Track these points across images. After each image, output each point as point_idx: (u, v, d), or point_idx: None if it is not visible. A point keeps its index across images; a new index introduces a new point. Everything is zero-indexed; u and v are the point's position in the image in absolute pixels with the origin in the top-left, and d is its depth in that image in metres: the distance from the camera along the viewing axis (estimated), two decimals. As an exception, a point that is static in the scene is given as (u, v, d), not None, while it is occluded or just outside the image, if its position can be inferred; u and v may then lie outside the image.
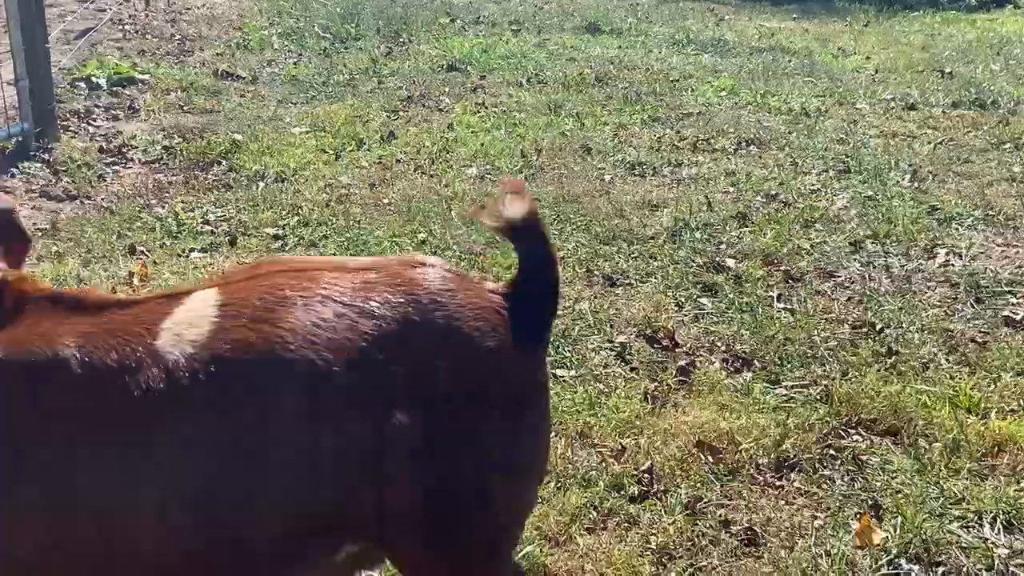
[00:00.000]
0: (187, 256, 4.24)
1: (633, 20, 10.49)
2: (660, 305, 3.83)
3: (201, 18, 10.10)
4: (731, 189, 5.24)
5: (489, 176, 5.37)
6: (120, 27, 9.59)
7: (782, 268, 4.20)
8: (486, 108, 6.91)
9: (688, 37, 9.70)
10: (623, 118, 6.73)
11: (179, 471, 1.63)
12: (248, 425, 1.65)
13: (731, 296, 3.93)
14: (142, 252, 4.25)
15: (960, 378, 3.36)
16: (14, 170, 5.25)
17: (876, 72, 8.42)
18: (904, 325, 3.74)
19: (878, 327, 3.68)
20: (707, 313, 3.81)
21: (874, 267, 4.28)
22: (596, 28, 10.01)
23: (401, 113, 6.69)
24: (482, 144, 5.90)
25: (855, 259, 4.35)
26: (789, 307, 3.87)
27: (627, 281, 4.07)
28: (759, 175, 5.48)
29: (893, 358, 3.48)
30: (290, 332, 1.65)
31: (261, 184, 5.15)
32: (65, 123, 6.24)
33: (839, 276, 4.18)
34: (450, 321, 1.72)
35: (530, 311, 1.78)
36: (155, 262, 4.14)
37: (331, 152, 5.78)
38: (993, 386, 3.32)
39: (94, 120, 6.44)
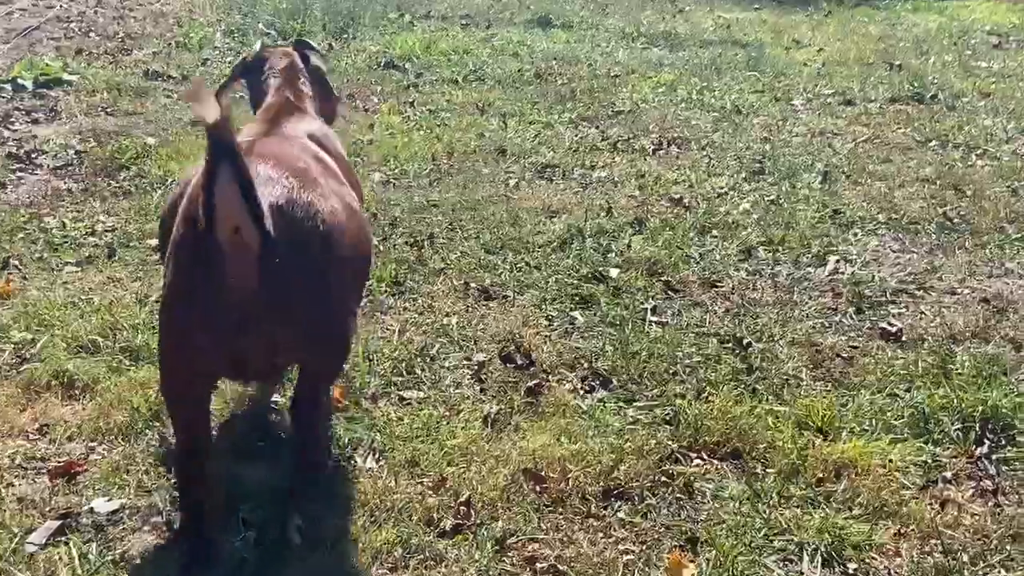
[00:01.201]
0: (60, 270, 4.15)
1: (586, 13, 10.37)
2: (529, 320, 3.75)
3: (149, 15, 10.01)
4: (637, 193, 5.15)
5: (394, 182, 5.28)
6: (65, 25, 9.50)
7: (664, 278, 4.11)
8: (413, 108, 6.82)
9: (639, 30, 9.59)
10: (551, 117, 6.64)
11: None
12: None
13: (605, 309, 3.85)
14: (15, 266, 4.16)
15: (816, 396, 3.27)
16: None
17: (823, 65, 8.31)
18: (774, 339, 3.65)
19: (745, 341, 3.60)
20: (577, 328, 3.73)
21: (760, 276, 4.19)
22: (547, 22, 9.91)
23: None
24: (396, 147, 5.81)
25: (743, 267, 4.26)
26: (662, 320, 3.79)
27: (504, 294, 3.99)
28: (668, 177, 5.39)
29: (753, 375, 3.40)
30: None
31: (160, 191, 5.06)
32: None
33: (722, 286, 4.09)
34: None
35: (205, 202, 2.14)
36: (25, 278, 4.06)
37: (242, 156, 5.68)
38: (850, 404, 3.23)
39: (11, 124, 6.35)
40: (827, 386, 3.37)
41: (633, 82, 7.69)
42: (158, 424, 3.04)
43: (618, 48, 8.94)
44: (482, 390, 3.31)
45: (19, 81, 7.12)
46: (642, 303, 3.91)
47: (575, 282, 4.08)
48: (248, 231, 2.15)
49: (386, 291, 3.96)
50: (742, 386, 3.33)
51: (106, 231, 4.61)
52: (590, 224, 4.64)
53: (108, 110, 6.65)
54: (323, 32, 9.19)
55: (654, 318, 3.80)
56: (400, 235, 4.51)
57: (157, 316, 2.79)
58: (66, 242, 4.47)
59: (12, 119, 6.44)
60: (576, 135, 6.24)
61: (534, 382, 3.31)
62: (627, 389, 3.35)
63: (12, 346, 3.46)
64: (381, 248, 4.35)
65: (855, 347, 3.62)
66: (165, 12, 10.20)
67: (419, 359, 3.46)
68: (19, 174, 5.45)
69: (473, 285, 4.03)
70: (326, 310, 2.47)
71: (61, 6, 10.50)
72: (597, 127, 6.45)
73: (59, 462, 2.88)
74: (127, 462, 2.86)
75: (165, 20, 9.70)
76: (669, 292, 4.02)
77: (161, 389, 2.59)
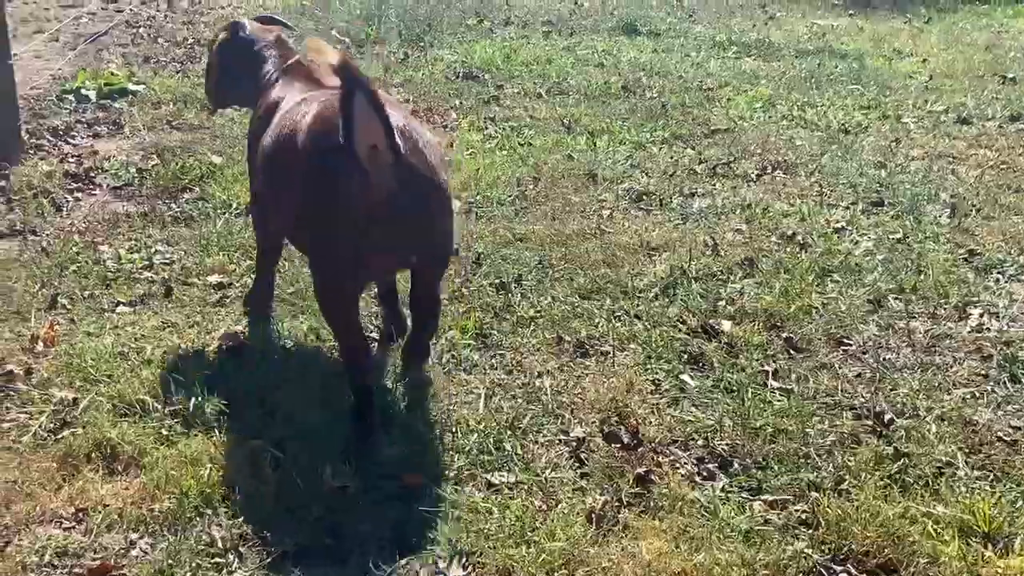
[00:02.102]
0: (111, 311, 3.78)
1: (674, 20, 9.84)
2: (633, 384, 3.27)
3: (219, 20, 9.71)
4: (744, 227, 4.63)
5: (476, 211, 4.83)
6: (133, 30, 9.26)
7: (785, 333, 3.61)
8: (495, 124, 6.38)
9: (730, 38, 9.03)
10: (642, 135, 6.15)
11: None
12: None
13: (719, 371, 3.36)
14: (63, 306, 3.81)
15: (980, 492, 2.75)
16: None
17: (930, 78, 7.68)
18: (919, 414, 3.12)
19: (887, 417, 3.08)
20: (688, 395, 3.24)
21: (894, 331, 3.66)
22: (632, 29, 9.39)
23: (398, 131, 6.17)
24: (477, 170, 5.37)
25: (873, 321, 3.73)
26: (786, 387, 3.28)
27: (602, 348, 3.52)
28: (778, 209, 4.86)
29: (900, 462, 2.88)
30: None
31: (223, 218, 4.68)
32: (39, 142, 5.88)
33: (851, 344, 3.57)
34: None
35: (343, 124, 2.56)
36: (73, 320, 3.69)
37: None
38: (1021, 503, 2.70)
39: (72, 138, 6.06)
40: (990, 478, 2.84)
41: (727, 96, 7.16)
42: (209, 511, 2.63)
43: (709, 58, 8.40)
44: (583, 474, 2.84)
45: (83, 91, 6.84)
46: (761, 364, 3.41)
47: (683, 336, 3.59)
48: (385, 149, 2.58)
49: (470, 345, 3.51)
50: (888, 477, 2.81)
51: (164, 264, 4.24)
52: (695, 265, 4.14)
53: (174, 123, 6.32)
54: (399, 39, 8.81)
55: (776, 384, 3.29)
56: (485, 276, 4.06)
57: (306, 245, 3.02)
58: (120, 277, 4.11)
59: (74, 133, 6.15)
60: (671, 157, 5.73)
61: (643, 468, 2.83)
62: (751, 475, 2.86)
63: (51, 408, 3.08)
64: (464, 292, 3.91)
65: (1017, 427, 3.08)
66: (235, 17, 9.90)
67: (509, 432, 3.01)
68: (77, 195, 5.13)
69: (567, 338, 3.57)
70: (441, 214, 2.89)
71: (131, 10, 10.28)
72: (693, 148, 5.94)
73: (95, 558, 2.48)
74: (172, 564, 2.44)
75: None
76: (791, 351, 3.51)
77: (323, 301, 2.96)
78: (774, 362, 3.43)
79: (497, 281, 4.00)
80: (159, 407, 3.08)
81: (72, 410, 3.09)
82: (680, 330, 3.63)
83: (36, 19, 9.59)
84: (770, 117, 6.61)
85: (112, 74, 7.19)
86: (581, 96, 7.11)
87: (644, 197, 5.02)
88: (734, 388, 3.26)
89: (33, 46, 8.34)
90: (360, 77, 2.55)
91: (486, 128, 6.29)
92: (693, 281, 4.00)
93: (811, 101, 6.97)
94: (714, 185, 5.25)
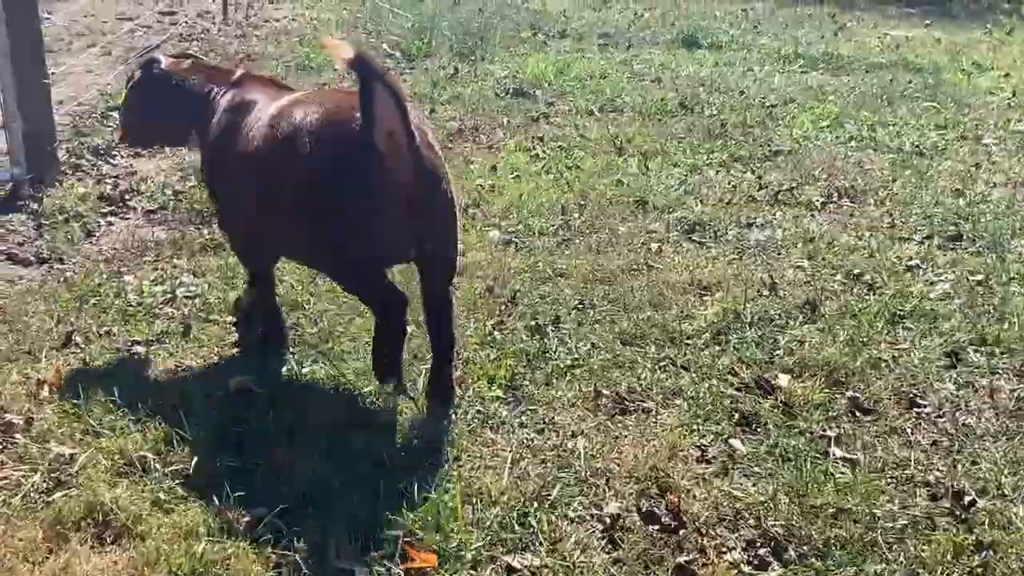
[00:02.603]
0: (127, 351, 3.57)
1: (737, 31, 9.45)
2: (677, 449, 2.95)
3: (272, 33, 9.58)
4: (806, 263, 4.28)
5: (516, 242, 4.54)
6: (186, 44, 9.14)
7: (849, 391, 3.26)
8: (543, 144, 6.08)
9: (796, 51, 8.63)
10: (698, 158, 5.81)
11: None
12: None
13: (775, 435, 3.02)
14: (77, 344, 3.60)
15: (1079, 598, 2.38)
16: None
17: (1013, 95, 7.22)
18: (1005, 494, 2.76)
19: (967, 498, 2.72)
20: (738, 464, 2.92)
21: (974, 390, 3.29)
22: (693, 42, 9.04)
23: (443, 152, 5.90)
24: (521, 195, 5.08)
25: (950, 377, 3.36)
26: (850, 456, 2.94)
27: (644, 405, 3.21)
28: (845, 243, 4.49)
29: (983, 554, 2.52)
30: None
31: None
32: (79, 162, 5.72)
33: (925, 405, 3.21)
34: None
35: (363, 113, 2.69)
36: (85, 361, 3.48)
37: (348, 203, 5.05)
38: None
39: (112, 158, 5.90)
40: (1090, 577, 2.47)
41: (792, 114, 6.78)
42: (199, 597, 2.38)
43: (773, 72, 8.01)
44: (616, 560, 2.53)
45: (126, 108, 6.69)
46: (822, 428, 3.06)
47: (734, 392, 3.26)
48: (400, 135, 2.69)
49: (499, 399, 3.22)
50: (969, 572, 2.46)
51: (187, 298, 4.02)
52: (750, 307, 3.81)
53: (214, 142, 6.13)
54: (450, 53, 8.56)
55: (839, 452, 2.95)
56: (520, 317, 3.77)
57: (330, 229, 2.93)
58: (140, 312, 3.90)
59: (115, 152, 5.98)
60: (728, 181, 5.39)
61: (685, 556, 2.51)
62: (809, 565, 2.52)
63: (46, 464, 2.86)
64: (496, 335, 3.62)
65: (1119, 512, 2.70)
66: (289, 30, 9.76)
67: (535, 505, 2.71)
68: (110, 219, 4.96)
69: (606, 392, 3.26)
70: (448, 205, 2.99)
71: (185, 22, 10.19)
72: (753, 171, 5.58)
73: (69, 651, 2.24)
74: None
75: (288, 39, 9.24)
76: (857, 412, 3.16)
77: (357, 285, 3.10)
78: (837, 426, 3.08)
79: (533, 323, 3.71)
80: (159, 466, 2.84)
81: (69, 467, 2.87)
82: (731, 384, 3.31)
83: (91, 32, 9.54)
84: (837, 137, 6.22)
85: (156, 90, 7.04)
86: (635, 114, 6.79)
87: (697, 227, 4.69)
88: (791, 456, 2.93)
89: (84, 60, 8.26)
90: (377, 67, 2.68)
91: (533, 149, 6.01)
92: (748, 326, 3.67)
93: (882, 120, 6.56)
94: (775, 214, 4.90)
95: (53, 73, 6.13)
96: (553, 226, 4.70)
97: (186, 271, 4.29)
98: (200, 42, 9.26)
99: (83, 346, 3.61)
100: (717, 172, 5.57)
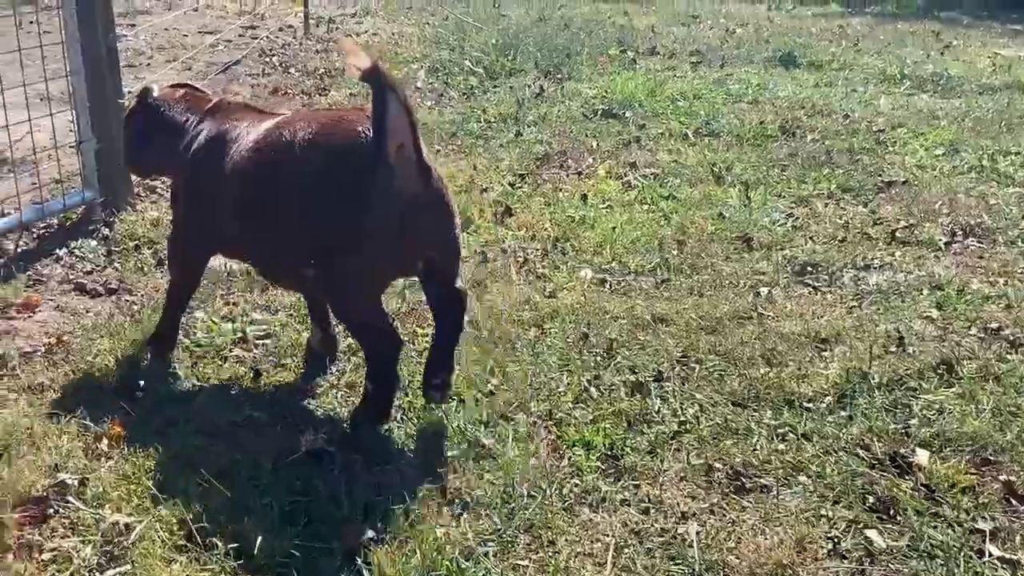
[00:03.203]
0: (192, 400, 3.30)
1: (837, 50, 8.98)
2: (804, 541, 2.57)
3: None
4: (935, 314, 3.85)
5: (610, 281, 4.19)
6: (267, 59, 9.00)
7: (1002, 474, 2.84)
8: (635, 170, 5.73)
9: (902, 71, 8.13)
10: (804, 188, 5.40)
11: None
12: None
13: (917, 526, 2.62)
14: (141, 389, 3.34)
15: None
16: (62, 250, 4.52)
17: None
18: None
19: None
20: (877, 562, 2.52)
21: None
22: (791, 60, 8.61)
23: (529, 178, 5.61)
24: (614, 228, 4.73)
25: (1118, 459, 2.92)
26: (1008, 555, 2.52)
27: (762, 482, 2.83)
28: (977, 290, 4.05)
29: None
30: None
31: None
32: (153, 184, 5.53)
33: (1092, 493, 2.78)
34: None
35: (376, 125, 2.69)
36: (149, 411, 3.22)
37: (430, 234, 4.76)
38: None
39: (187, 180, 5.69)
40: None
41: (902, 140, 6.32)
42: None
43: (878, 94, 7.55)
44: None
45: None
46: (972, 519, 2.66)
47: (866, 470, 2.86)
48: (409, 147, 2.71)
49: (597, 470, 2.87)
50: None
51: (258, 338, 3.75)
52: (877, 365, 3.40)
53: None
54: (535, 70, 8.26)
55: (995, 550, 2.54)
56: (617, 370, 3.42)
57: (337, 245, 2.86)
58: (209, 353, 3.63)
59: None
60: (839, 215, 4.97)
61: None
62: None
63: (100, 536, 2.59)
64: (592, 392, 3.27)
65: None
66: (370, 45, 9.56)
67: (641, 606, 2.36)
68: (182, 247, 4.72)
69: (719, 465, 2.89)
70: (452, 214, 2.99)
71: (267, 37, 10.07)
72: (865, 204, 5.16)
73: None
74: None
75: (369, 54, 9.01)
76: (1012, 499, 2.74)
77: (354, 308, 2.98)
78: (990, 516, 2.67)
79: (632, 379, 3.35)
80: (220, 543, 2.55)
81: (124, 539, 2.59)
82: (862, 460, 2.91)
83: (172, 46, 9.46)
84: (955, 167, 5.75)
85: (235, 108, 6.86)
86: (733, 138, 6.40)
87: (809, 269, 4.29)
88: (938, 554, 2.52)
89: (164, 75, 8.15)
90: (391, 79, 2.67)
91: (625, 176, 5.66)
92: (876, 389, 3.26)
93: (1003, 148, 6.07)
94: (893, 254, 4.47)
95: (129, 92, 5.97)
96: (650, 264, 4.34)
97: (258, 306, 4.03)
98: (280, 57, 9.11)
99: (147, 391, 3.35)
100: (825, 205, 5.15)
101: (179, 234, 3.53)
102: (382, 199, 2.74)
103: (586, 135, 6.44)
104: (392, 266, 2.98)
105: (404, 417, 3.15)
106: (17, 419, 3.11)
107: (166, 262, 3.86)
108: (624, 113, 6.93)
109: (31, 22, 6.23)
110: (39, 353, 3.66)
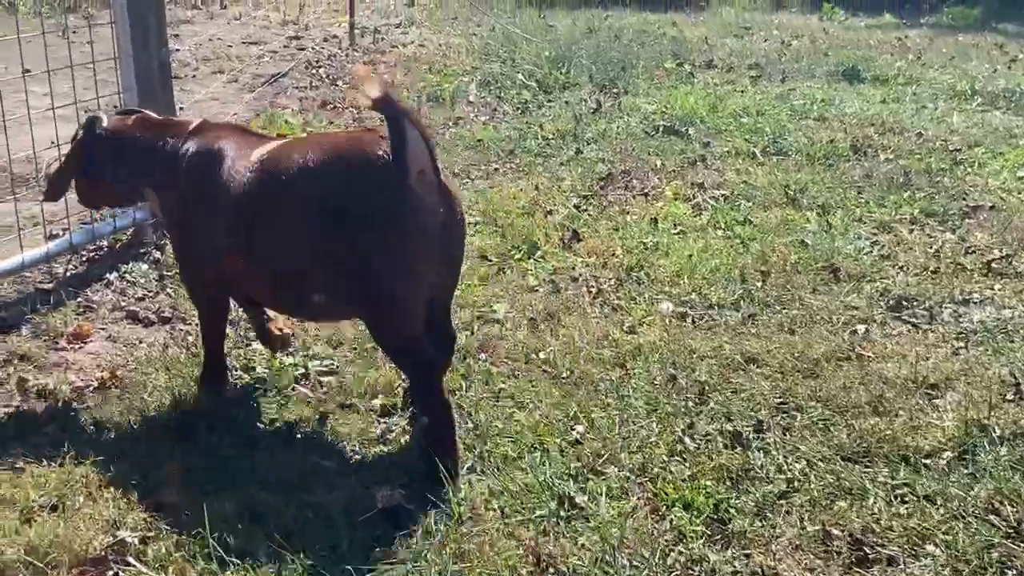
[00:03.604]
0: (255, 446, 3.08)
1: (902, 64, 8.67)
2: (942, 626, 2.30)
3: (401, 60, 9.19)
4: (1050, 356, 3.57)
5: (691, 315, 3.94)
6: (314, 71, 8.82)
7: None
8: (704, 192, 5.47)
9: (973, 87, 7.81)
10: (885, 212, 5.12)
11: None
12: None
13: (1068, 609, 2.35)
14: (199, 437, 3.12)
15: None
16: (112, 275, 4.33)
17: None
18: None
19: None
20: (1027, 649, 2.25)
21: None
22: (855, 75, 8.31)
23: (594, 199, 5.36)
24: (690, 256, 4.48)
25: None
26: None
27: (886, 551, 2.56)
28: (1093, 330, 3.76)
29: None
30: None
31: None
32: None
33: None
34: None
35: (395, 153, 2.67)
36: (209, 456, 3.00)
37: (495, 260, 4.53)
38: None
39: (238, 199, 5.49)
40: None
41: (981, 161, 6.02)
42: None
43: (950, 111, 7.24)
44: None
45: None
46: None
47: (1001, 540, 2.59)
48: (429, 172, 2.74)
49: (702, 535, 2.61)
50: None
51: (321, 374, 3.53)
52: (996, 416, 3.12)
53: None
54: (590, 84, 8.02)
55: None
56: (711, 417, 3.16)
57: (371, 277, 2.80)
58: (270, 392, 3.42)
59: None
60: (927, 244, 4.69)
61: None
62: None
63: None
64: (687, 442, 3.02)
65: None
66: (419, 57, 9.37)
67: None
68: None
69: (836, 532, 2.62)
70: (464, 239, 3.04)
71: (312, 48, 9.90)
72: (953, 231, 4.87)
73: None
74: None
75: (417, 66, 8.83)
76: None
77: (395, 336, 2.91)
78: None
79: (729, 428, 3.09)
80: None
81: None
82: (995, 527, 2.63)
83: (218, 57, 9.31)
84: (1043, 190, 5.45)
85: (286, 122, 6.68)
86: (803, 158, 6.12)
87: (904, 303, 4.01)
88: (1097, 643, 2.25)
89: (212, 88, 7.99)
90: (403, 106, 2.69)
91: (694, 198, 5.40)
92: (999, 443, 2.98)
93: (1092, 170, 5.76)
94: (992, 287, 4.18)
95: (181, 108, 5.80)
96: (732, 296, 4.08)
97: (320, 339, 3.81)
98: (327, 68, 8.93)
99: (207, 436, 3.13)
100: (910, 231, 4.87)
101: (185, 266, 3.36)
102: (415, 221, 2.73)
103: (649, 153, 6.19)
104: (424, 290, 2.90)
105: (483, 468, 2.91)
106: (71, 468, 2.90)
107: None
108: (686, 130, 6.67)
109: (73, 31, 6.05)
110: (91, 388, 3.47)
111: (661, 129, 6.69)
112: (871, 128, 6.74)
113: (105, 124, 3.38)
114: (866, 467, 2.90)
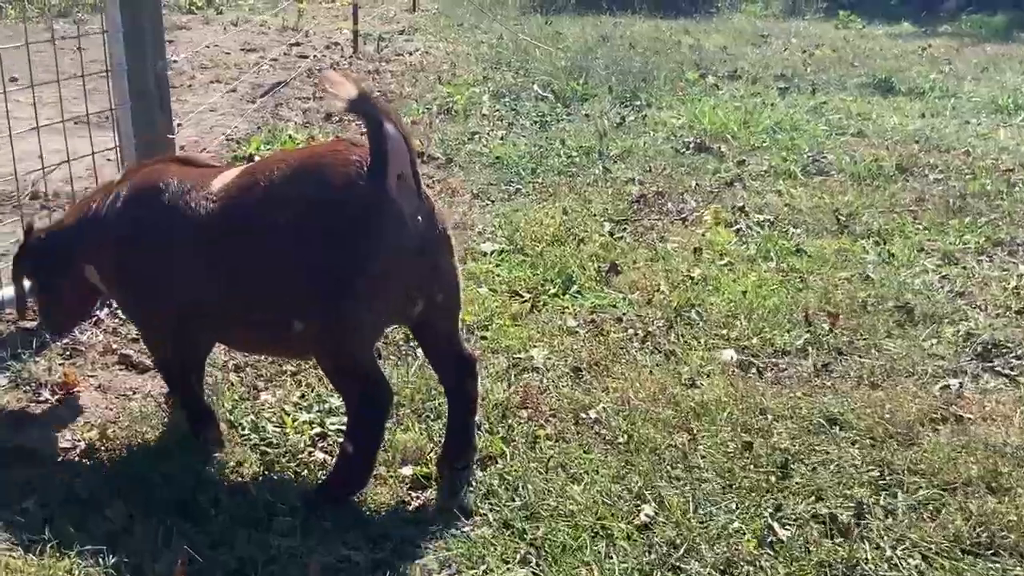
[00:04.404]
0: (267, 529, 2.63)
1: (937, 76, 8.26)
2: None
3: (408, 69, 8.75)
4: None
5: (755, 363, 3.50)
6: (315, 81, 8.36)
7: None
8: (746, 216, 5.04)
9: (1016, 101, 7.40)
10: (947, 240, 4.70)
11: None
12: None
13: None
14: (203, 509, 2.67)
15: None
16: (101, 312, 3.87)
17: None
18: None
19: None
20: None
21: None
22: (887, 87, 7.90)
23: (629, 225, 4.92)
24: (743, 293, 4.04)
25: None
26: None
27: (1034, 677, 2.12)
28: None
29: None
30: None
31: (415, 363, 3.50)
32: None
33: None
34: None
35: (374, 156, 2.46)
36: (215, 543, 2.55)
37: (526, 295, 4.10)
38: None
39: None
40: None
41: (1039, 181, 5.61)
42: None
43: (995, 126, 6.83)
44: None
45: (256, 159, 5.88)
46: None
47: None
48: (408, 176, 2.52)
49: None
50: None
51: (340, 432, 3.08)
52: None
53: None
54: (609, 95, 7.59)
55: None
56: (799, 494, 2.72)
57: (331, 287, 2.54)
58: (284, 454, 2.97)
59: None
60: (1002, 277, 4.27)
61: None
62: None
63: None
64: (775, 529, 2.57)
65: None
66: (424, 66, 8.93)
67: None
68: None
69: (972, 651, 2.19)
70: (452, 249, 2.75)
71: (314, 56, 9.45)
72: (1024, 260, 4.45)
73: None
74: None
75: (425, 77, 8.39)
76: None
77: (352, 357, 2.64)
78: None
79: (824, 511, 2.65)
80: None
81: None
82: None
83: (215, 65, 8.86)
84: (1112, 215, 5.03)
85: (290, 137, 6.24)
86: (847, 177, 5.70)
87: (994, 351, 3.59)
88: None
89: (208, 98, 7.53)
90: (383, 105, 2.50)
91: (736, 222, 4.97)
92: None
93: None
94: (1085, 330, 3.76)
95: (180, 124, 5.35)
96: (798, 341, 3.65)
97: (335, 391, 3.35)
98: (330, 78, 8.46)
99: (212, 514, 2.68)
100: (979, 263, 4.45)
101: (148, 329, 3.09)
102: (386, 235, 2.51)
103: (681, 172, 5.76)
104: (394, 309, 2.68)
105: (539, 562, 2.47)
106: (53, 560, 2.45)
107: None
108: (718, 147, 6.25)
109: (62, 37, 5.59)
110: (77, 450, 3.02)
111: (691, 146, 6.26)
112: (915, 145, 6.32)
113: (38, 225, 3.23)
114: (992, 561, 2.47)
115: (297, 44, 10.06)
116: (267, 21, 11.46)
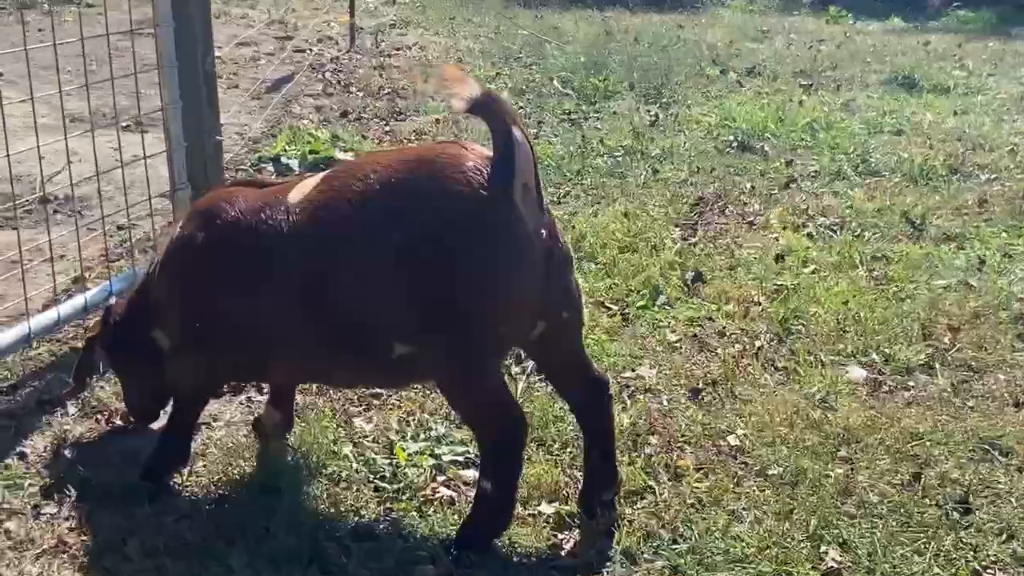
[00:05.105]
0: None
1: (960, 72, 8.15)
2: None
3: (413, 63, 8.44)
4: None
5: (888, 384, 3.29)
6: (320, 75, 8.03)
7: None
8: (812, 220, 4.84)
9: (1046, 98, 7.30)
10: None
11: None
12: None
13: None
14: (317, 566, 2.39)
15: None
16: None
17: None
18: None
19: None
20: None
21: None
22: (911, 83, 7.76)
23: (699, 230, 4.69)
24: (846, 304, 3.83)
25: None
26: None
27: None
28: None
29: None
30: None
31: (519, 385, 3.22)
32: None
33: None
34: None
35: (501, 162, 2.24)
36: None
37: (613, 307, 3.84)
38: None
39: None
40: None
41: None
42: None
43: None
44: None
45: (283, 160, 5.58)
46: None
47: None
48: (532, 187, 2.29)
49: None
50: None
51: (455, 465, 2.80)
52: None
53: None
54: (631, 92, 7.36)
55: None
56: (987, 532, 2.50)
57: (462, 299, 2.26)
58: (401, 488, 2.69)
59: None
60: (1098, 285, 4.10)
61: None
62: None
63: None
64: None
65: None
66: (431, 59, 8.62)
67: None
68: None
69: None
70: (572, 260, 2.54)
71: (310, 51, 9.09)
72: (1117, 267, 4.29)
73: None
74: None
75: (435, 70, 8.08)
76: None
77: (482, 383, 2.38)
78: None
79: (1021, 551, 2.44)
80: None
81: None
82: None
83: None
84: None
85: (313, 137, 5.91)
86: (900, 177, 5.53)
87: None
88: None
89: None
90: (510, 109, 2.29)
91: (804, 226, 4.76)
92: None
93: None
94: None
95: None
96: (920, 357, 3.44)
97: (437, 415, 3.08)
98: (334, 73, 8.15)
99: (344, 563, 2.39)
100: (1069, 269, 4.28)
101: (184, 384, 2.76)
102: (515, 249, 2.27)
103: (730, 173, 5.54)
104: (518, 332, 2.42)
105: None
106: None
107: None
108: (761, 146, 6.05)
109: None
110: (168, 487, 2.72)
111: (734, 144, 6.06)
112: (957, 143, 6.18)
113: (114, 309, 2.91)
114: None
115: (288, 38, 9.69)
116: (248, 14, 11.06)
